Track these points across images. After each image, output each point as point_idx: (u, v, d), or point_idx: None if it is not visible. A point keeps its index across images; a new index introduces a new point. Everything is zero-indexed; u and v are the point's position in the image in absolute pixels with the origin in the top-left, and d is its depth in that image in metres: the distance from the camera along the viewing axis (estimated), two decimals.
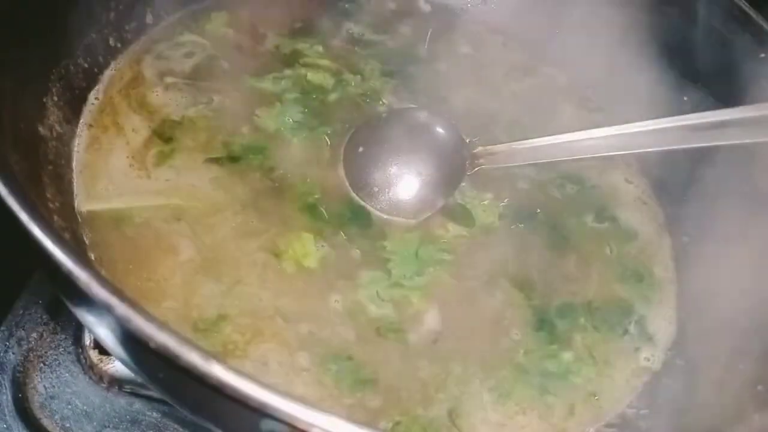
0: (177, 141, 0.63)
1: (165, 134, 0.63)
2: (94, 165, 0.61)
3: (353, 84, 0.73)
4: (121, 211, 0.58)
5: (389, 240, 0.62)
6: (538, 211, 0.68)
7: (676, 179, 0.71)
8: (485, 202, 0.67)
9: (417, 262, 0.61)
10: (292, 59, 0.73)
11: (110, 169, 0.60)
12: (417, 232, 0.63)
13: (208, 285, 0.56)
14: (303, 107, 0.69)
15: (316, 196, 0.63)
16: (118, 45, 0.69)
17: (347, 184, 0.65)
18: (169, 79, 0.68)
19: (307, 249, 0.59)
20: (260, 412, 0.35)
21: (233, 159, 0.63)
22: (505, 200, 0.68)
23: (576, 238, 0.67)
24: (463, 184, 0.68)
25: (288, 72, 0.71)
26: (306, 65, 0.73)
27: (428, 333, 0.58)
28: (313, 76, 0.72)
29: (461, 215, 0.66)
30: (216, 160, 0.63)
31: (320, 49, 0.76)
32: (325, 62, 0.74)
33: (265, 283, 0.57)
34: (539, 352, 0.59)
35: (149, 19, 0.72)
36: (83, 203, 0.58)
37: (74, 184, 0.59)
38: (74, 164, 0.60)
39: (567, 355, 0.60)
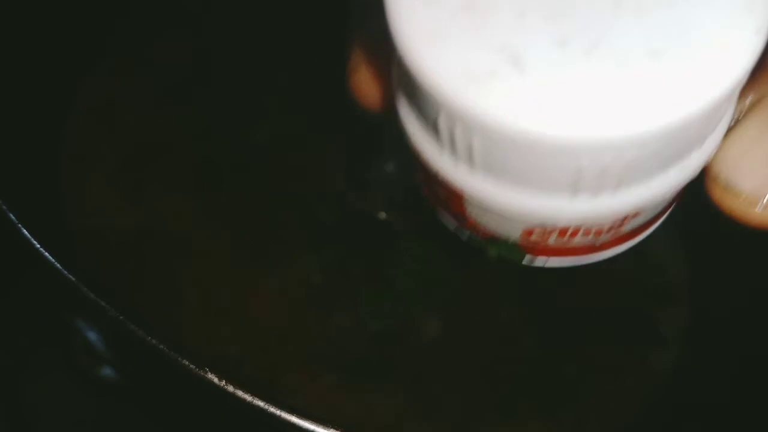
0: (151, 166, 0.61)
1: (139, 158, 0.61)
2: (80, 178, 0.59)
3: None
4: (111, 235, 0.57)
5: (392, 251, 0.61)
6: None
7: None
8: None
9: (419, 275, 0.60)
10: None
11: (93, 188, 0.59)
12: (418, 241, 0.62)
13: (222, 326, 0.55)
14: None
15: (318, 207, 0.62)
16: (111, 41, 0.67)
17: (344, 184, 0.64)
18: (146, 96, 0.64)
19: (310, 266, 0.58)
20: (258, 417, 0.34)
21: (217, 181, 0.61)
22: None
23: None
24: None
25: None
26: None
27: (428, 340, 0.58)
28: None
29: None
30: (200, 184, 0.61)
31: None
32: None
33: (274, 311, 0.56)
34: (542, 362, 0.58)
35: (144, 18, 0.72)
36: (73, 219, 0.57)
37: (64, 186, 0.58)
38: (63, 165, 0.59)
39: (571, 366, 0.59)
